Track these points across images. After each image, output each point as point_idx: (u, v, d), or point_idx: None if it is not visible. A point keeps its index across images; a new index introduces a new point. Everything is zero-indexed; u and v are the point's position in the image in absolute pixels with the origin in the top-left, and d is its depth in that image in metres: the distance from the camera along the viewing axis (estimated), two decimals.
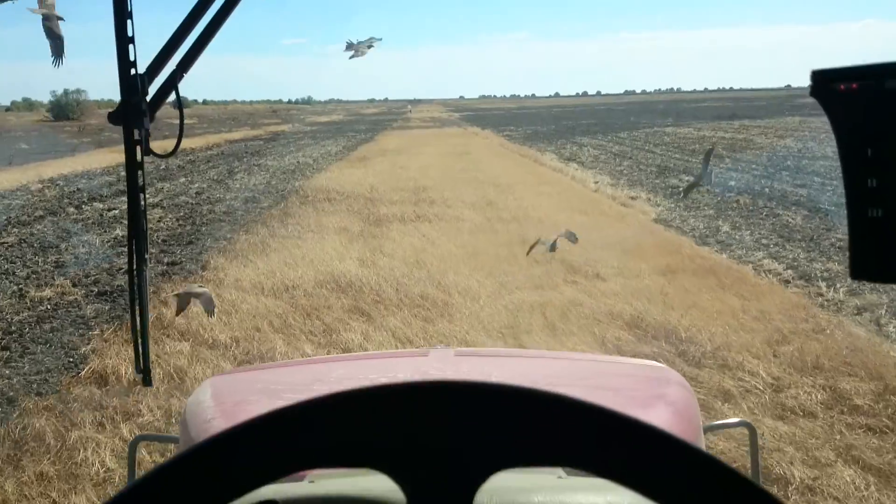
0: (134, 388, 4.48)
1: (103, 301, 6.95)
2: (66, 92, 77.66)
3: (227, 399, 1.29)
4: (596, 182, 14.76)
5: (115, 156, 25.85)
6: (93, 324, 6.22)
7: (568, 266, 7.26)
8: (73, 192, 15.65)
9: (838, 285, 6.53)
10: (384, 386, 0.45)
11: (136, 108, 1.44)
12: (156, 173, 19.35)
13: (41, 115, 79.63)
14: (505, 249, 8.14)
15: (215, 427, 1.11)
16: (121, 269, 8.17)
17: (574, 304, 5.96)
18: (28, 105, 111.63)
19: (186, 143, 30.66)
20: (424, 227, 9.81)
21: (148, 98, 1.47)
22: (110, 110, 1.49)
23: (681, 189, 13.45)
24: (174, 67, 1.48)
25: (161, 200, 13.76)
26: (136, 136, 1.48)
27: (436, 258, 7.77)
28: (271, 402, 0.91)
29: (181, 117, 1.59)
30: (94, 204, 13.58)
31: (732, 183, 13.82)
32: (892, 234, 0.63)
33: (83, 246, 9.69)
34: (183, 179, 17.42)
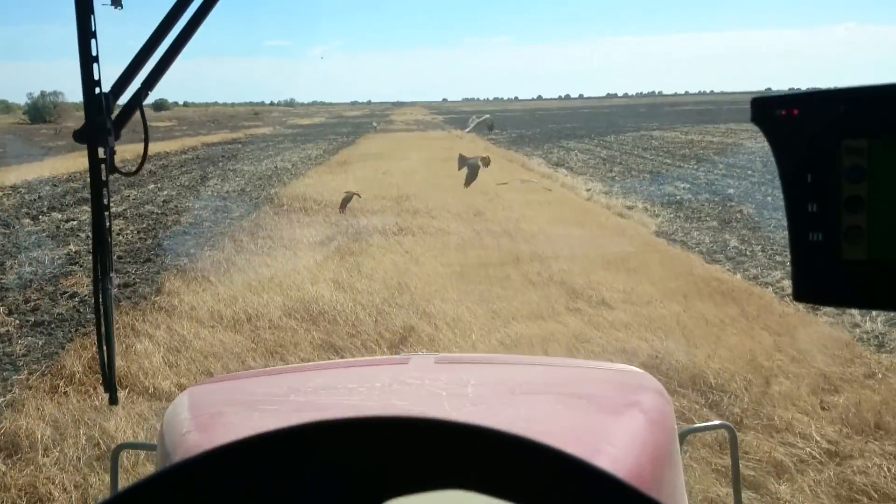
0: (47, 459, 3.62)
1: (39, 333, 6.07)
2: (42, 94, 76.17)
3: (203, 411, 1.27)
4: (588, 189, 14.01)
5: (84, 161, 24.63)
6: (20, 363, 5.35)
7: (569, 289, 6.48)
8: (34, 200, 14.66)
9: (873, 313, 5.79)
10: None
11: (100, 127, 1.43)
12: (124, 179, 18.39)
13: (18, 118, 78.00)
14: (497, 269, 7.35)
15: (191, 440, 1.10)
16: (66, 292, 7.29)
17: (580, 339, 5.16)
18: (5, 107, 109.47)
19: (161, 147, 29.65)
20: (408, 241, 8.99)
21: (113, 116, 1.46)
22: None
23: (677, 197, 12.74)
24: (139, 86, 1.47)
25: (125, 210, 12.84)
26: (101, 155, 1.46)
27: (420, 279, 6.96)
28: (248, 414, 1.21)
29: (146, 136, 1.56)
30: (53, 214, 12.63)
31: (731, 191, 13.14)
32: (832, 257, 0.65)
33: (31, 264, 8.77)
34: (152, 186, 16.47)
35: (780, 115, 0.67)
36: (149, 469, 3.54)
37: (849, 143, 0.64)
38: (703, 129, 35.33)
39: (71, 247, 9.50)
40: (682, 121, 45.84)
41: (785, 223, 0.69)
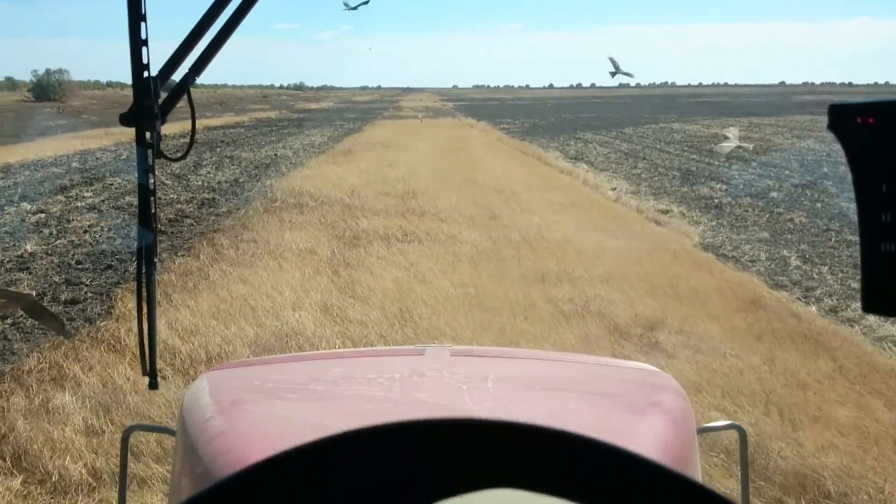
0: None
1: None
2: (47, 72, 75.03)
3: (224, 396, 1.24)
4: (614, 189, 12.70)
5: (81, 142, 23.55)
6: None
7: (611, 326, 5.22)
8: (7, 187, 13.44)
9: None
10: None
11: (148, 111, 1.41)
12: (113, 164, 17.20)
13: (23, 95, 76.89)
14: (519, 292, 6.09)
15: (214, 426, 1.09)
16: None
17: None
18: (11, 84, 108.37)
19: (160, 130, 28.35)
20: (412, 250, 7.73)
21: (160, 101, 1.44)
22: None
23: (715, 200, 11.43)
24: (187, 71, 1.46)
25: (103, 201, 11.61)
26: (148, 139, 1.43)
27: (427, 305, 5.71)
28: (269, 401, 1.22)
29: (193, 121, 1.54)
30: (22, 205, 11.39)
31: (774, 195, 11.81)
32: None
33: None
34: None
35: (856, 123, 0.65)
36: (160, 450, 3.33)
37: None
38: (725, 123, 33.84)
39: (28, 246, 8.27)
40: (701, 113, 44.28)
41: (849, 238, 0.73)
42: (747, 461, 1.45)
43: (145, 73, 1.41)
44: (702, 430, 1.41)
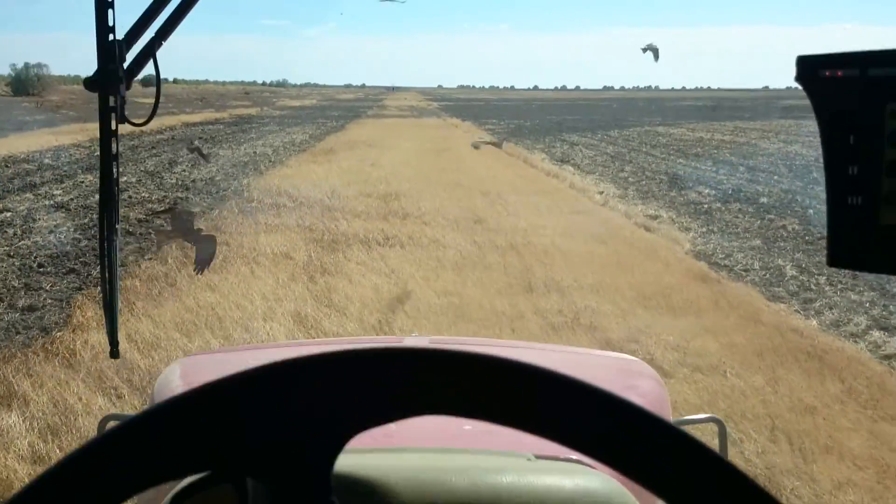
0: None
1: None
2: (26, 65, 73.81)
3: (194, 381, 0.85)
4: (601, 192, 12.42)
5: (56, 137, 22.90)
6: None
7: (603, 341, 4.92)
8: None
9: None
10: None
11: (112, 75, 1.37)
12: (86, 161, 16.66)
13: (0, 89, 75.58)
14: (506, 302, 5.77)
15: None
16: None
17: None
18: None
19: (136, 127, 27.75)
20: (394, 255, 7.39)
21: (125, 65, 1.40)
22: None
23: (704, 206, 11.18)
24: (153, 35, 1.42)
25: (72, 199, 11.14)
26: (112, 104, 1.40)
27: (408, 317, 5.38)
28: None
29: (157, 86, 1.51)
30: None
31: (764, 200, 11.58)
32: (871, 222, 0.64)
33: None
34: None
35: (824, 75, 0.65)
36: None
37: (893, 106, 0.62)
38: (709, 127, 33.75)
39: None
40: (685, 117, 44.29)
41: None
42: (726, 454, 1.41)
43: (110, 36, 1.37)
44: (678, 424, 1.29)
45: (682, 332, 5.06)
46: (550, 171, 15.67)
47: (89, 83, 1.39)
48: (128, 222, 9.39)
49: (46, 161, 16.37)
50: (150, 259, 7.22)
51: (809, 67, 0.66)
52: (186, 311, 5.38)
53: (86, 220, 9.45)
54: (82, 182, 13.05)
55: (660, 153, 20.66)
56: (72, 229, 8.92)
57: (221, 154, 18.64)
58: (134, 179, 13.39)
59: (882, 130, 0.63)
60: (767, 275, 7.15)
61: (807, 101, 0.65)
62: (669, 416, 1.22)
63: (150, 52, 1.42)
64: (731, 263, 7.64)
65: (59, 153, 17.97)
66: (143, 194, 11.63)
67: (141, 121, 1.57)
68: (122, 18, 1.39)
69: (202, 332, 4.87)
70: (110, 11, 1.37)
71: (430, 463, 0.90)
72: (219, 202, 10.97)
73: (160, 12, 1.41)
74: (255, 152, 19.19)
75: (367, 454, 0.85)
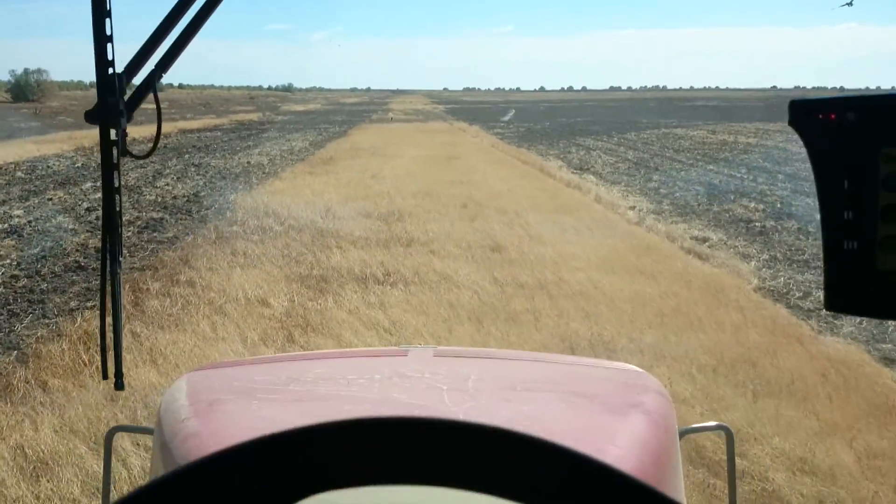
0: None
1: None
2: (25, 71, 72.90)
3: (202, 397, 1.25)
4: (633, 208, 10.93)
5: (37, 147, 21.40)
6: None
7: (693, 451, 3.43)
8: None
9: None
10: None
11: (112, 108, 1.40)
12: (64, 173, 15.30)
13: (0, 96, 74.65)
14: None
15: (189, 427, 1.10)
16: None
17: None
18: None
19: (131, 133, 26.37)
20: (395, 300, 5.95)
21: (125, 98, 1.44)
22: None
23: (756, 224, 9.69)
24: (153, 67, 1.45)
25: (30, 223, 9.74)
26: (113, 137, 1.43)
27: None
28: (247, 401, 1.21)
29: (159, 119, 1.51)
30: None
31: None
32: (867, 266, 0.63)
33: None
34: (89, 185, 13.36)
35: (817, 119, 0.65)
36: (143, 452, 3.21)
37: (888, 150, 0.62)
38: (729, 128, 32.22)
39: None
40: (701, 118, 42.74)
41: None
42: (734, 462, 1.44)
43: (110, 70, 1.39)
44: (687, 431, 1.40)
45: (792, 426, 3.60)
46: (570, 181, 14.18)
47: (90, 116, 1.41)
48: (86, 251, 7.98)
49: (19, 174, 15.01)
50: (92, 307, 5.79)
51: (803, 111, 0.66)
52: (113, 395, 3.93)
53: (35, 251, 8.04)
54: (50, 199, 11.66)
55: (686, 158, 19.16)
56: (12, 265, 7.49)
57: (213, 165, 17.24)
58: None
59: (877, 175, 0.62)
60: (865, 323, 5.67)
61: None
62: (675, 430, 1.19)
63: (150, 84, 1.44)
64: (815, 306, 6.15)
65: (35, 165, 16.60)
66: None
67: (143, 153, 1.64)
68: (122, 51, 1.40)
69: (120, 437, 3.41)
70: (109, 45, 1.39)
71: (426, 497, 0.76)
72: (197, 224, 9.55)
73: (159, 45, 1.42)
74: (249, 162, 17.79)
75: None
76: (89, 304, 5.95)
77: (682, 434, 1.33)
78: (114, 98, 1.39)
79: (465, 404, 1.13)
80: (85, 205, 11.04)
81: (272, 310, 5.68)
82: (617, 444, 1.01)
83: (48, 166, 16.50)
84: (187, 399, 1.23)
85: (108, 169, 1.44)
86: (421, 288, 6.34)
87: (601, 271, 6.82)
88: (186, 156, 19.18)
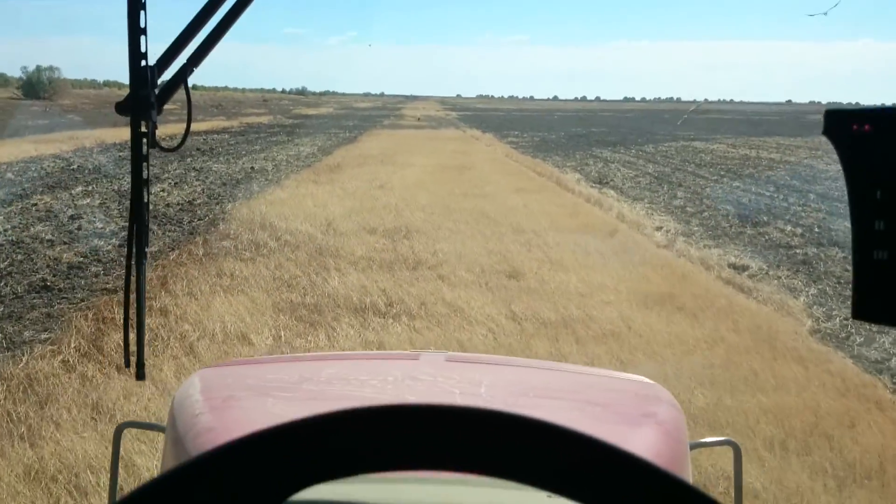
0: None
1: None
2: (37, 69, 72.68)
3: (215, 394, 1.25)
4: (660, 228, 10.07)
5: (35, 147, 20.62)
6: None
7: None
8: None
9: None
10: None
11: (144, 100, 1.40)
12: (57, 176, 14.58)
13: (11, 92, 74.49)
14: None
15: (203, 422, 1.10)
16: None
17: None
18: (3, 81, 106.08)
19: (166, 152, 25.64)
20: (395, 338, 5.13)
21: (156, 90, 1.44)
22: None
23: (797, 252, 8.82)
24: (185, 61, 1.45)
25: (0, 232, 8.98)
26: (143, 129, 1.43)
27: None
28: (260, 399, 1.23)
29: (189, 112, 1.51)
30: None
31: None
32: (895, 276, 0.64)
33: None
34: (79, 189, 12.62)
35: (852, 129, 0.65)
36: (152, 447, 3.14)
37: None
38: (749, 143, 31.32)
39: None
40: (718, 130, 41.81)
41: None
42: (741, 477, 1.44)
43: (143, 62, 1.39)
44: (695, 446, 1.38)
45: None
46: (590, 196, 13.33)
47: (121, 108, 1.40)
48: (57, 268, 7.21)
49: (9, 176, 14.28)
50: (46, 341, 5.00)
51: (838, 121, 0.66)
52: (40, 461, 3.13)
53: (2, 266, 7.27)
54: (34, 205, 10.92)
55: (709, 174, 18.28)
56: None
57: (214, 169, 16.50)
58: (97, 203, 11.23)
59: None
60: None
61: None
62: (686, 442, 1.18)
63: (181, 77, 1.44)
64: (882, 356, 5.29)
65: (29, 166, 15.88)
66: (94, 225, 9.44)
67: (172, 145, 1.62)
68: (154, 45, 1.37)
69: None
70: (143, 38, 1.39)
71: (444, 497, 0.85)
72: (185, 237, 8.77)
73: (192, 39, 1.42)
74: (252, 167, 17.03)
75: (378, 484, 0.79)
76: (44, 337, 5.16)
77: (691, 448, 1.31)
78: (145, 90, 1.38)
79: None
80: (70, 212, 10.28)
81: (252, 349, 4.87)
82: None
83: (42, 168, 15.79)
84: (201, 395, 1.22)
85: (138, 160, 1.44)
86: (427, 323, 5.53)
87: (633, 306, 5.98)
88: (189, 159, 18.44)
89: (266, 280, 6.61)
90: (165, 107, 1.44)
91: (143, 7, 1.38)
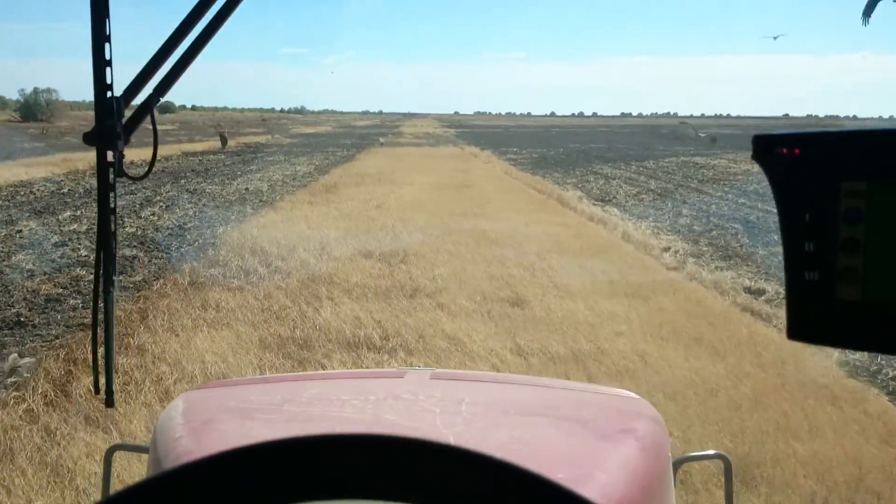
0: None
1: None
2: (35, 91, 72.59)
3: (197, 416, 1.24)
4: (667, 249, 9.68)
5: (26, 171, 20.11)
6: None
7: None
8: None
9: None
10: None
11: (110, 131, 1.44)
12: (45, 200, 14.21)
13: (9, 115, 74.35)
14: None
15: (182, 445, 1.11)
16: None
17: None
18: (2, 104, 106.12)
19: (131, 156, 25.32)
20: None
21: (123, 121, 1.47)
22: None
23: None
24: (151, 91, 1.48)
25: None
26: (110, 158, 1.46)
27: None
28: (240, 421, 1.21)
29: (155, 141, 1.54)
30: None
31: None
32: (828, 297, 0.64)
33: None
34: (67, 214, 12.24)
35: (781, 153, 0.66)
36: (141, 471, 2.63)
37: (848, 185, 0.64)
38: (750, 157, 30.90)
39: None
40: (719, 146, 41.50)
41: None
42: (732, 492, 1.42)
43: (108, 93, 1.42)
44: (685, 460, 1.38)
45: None
46: (593, 214, 12.95)
47: (88, 138, 1.43)
48: (28, 304, 6.79)
49: None
50: (15, 394, 4.57)
51: (766, 146, 0.67)
52: None
53: None
54: (18, 232, 10.52)
55: (713, 190, 17.92)
56: None
57: (208, 191, 16.12)
58: (83, 229, 10.83)
59: (837, 208, 0.64)
60: None
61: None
62: (668, 457, 1.18)
63: (147, 107, 1.47)
64: None
65: (18, 190, 15.52)
66: (81, 252, 9.04)
67: (139, 175, 1.66)
68: (121, 73, 1.38)
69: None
70: (108, 69, 1.41)
71: None
72: (172, 265, 8.37)
73: (159, 69, 1.44)
74: (247, 189, 16.66)
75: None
76: (10, 381, 4.74)
77: (680, 462, 1.33)
78: (111, 121, 1.41)
79: (456, 427, 1.13)
80: (54, 238, 9.89)
81: None
82: (605, 470, 0.99)
83: (31, 192, 15.42)
84: (182, 418, 1.22)
85: (104, 189, 1.44)
86: (426, 359, 5.12)
87: (647, 337, 5.57)
88: (182, 181, 18.09)
89: (254, 311, 6.20)
90: (161, 128, 1.49)
91: (108, 39, 1.41)
